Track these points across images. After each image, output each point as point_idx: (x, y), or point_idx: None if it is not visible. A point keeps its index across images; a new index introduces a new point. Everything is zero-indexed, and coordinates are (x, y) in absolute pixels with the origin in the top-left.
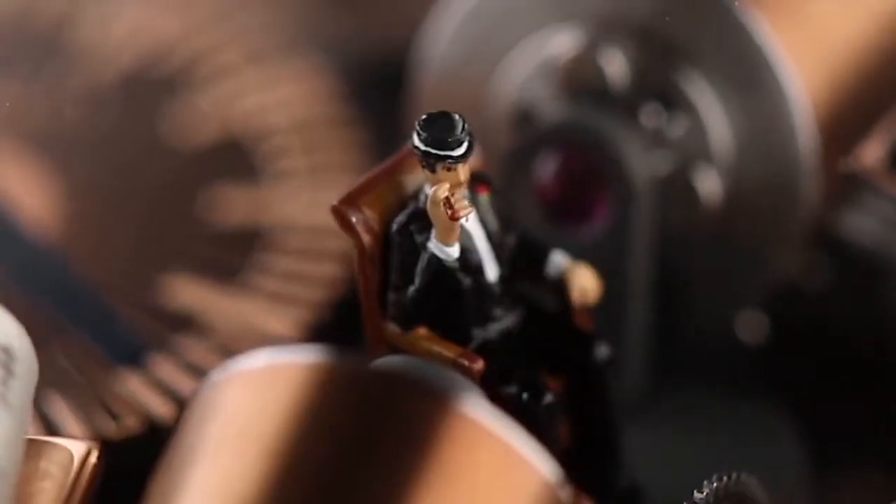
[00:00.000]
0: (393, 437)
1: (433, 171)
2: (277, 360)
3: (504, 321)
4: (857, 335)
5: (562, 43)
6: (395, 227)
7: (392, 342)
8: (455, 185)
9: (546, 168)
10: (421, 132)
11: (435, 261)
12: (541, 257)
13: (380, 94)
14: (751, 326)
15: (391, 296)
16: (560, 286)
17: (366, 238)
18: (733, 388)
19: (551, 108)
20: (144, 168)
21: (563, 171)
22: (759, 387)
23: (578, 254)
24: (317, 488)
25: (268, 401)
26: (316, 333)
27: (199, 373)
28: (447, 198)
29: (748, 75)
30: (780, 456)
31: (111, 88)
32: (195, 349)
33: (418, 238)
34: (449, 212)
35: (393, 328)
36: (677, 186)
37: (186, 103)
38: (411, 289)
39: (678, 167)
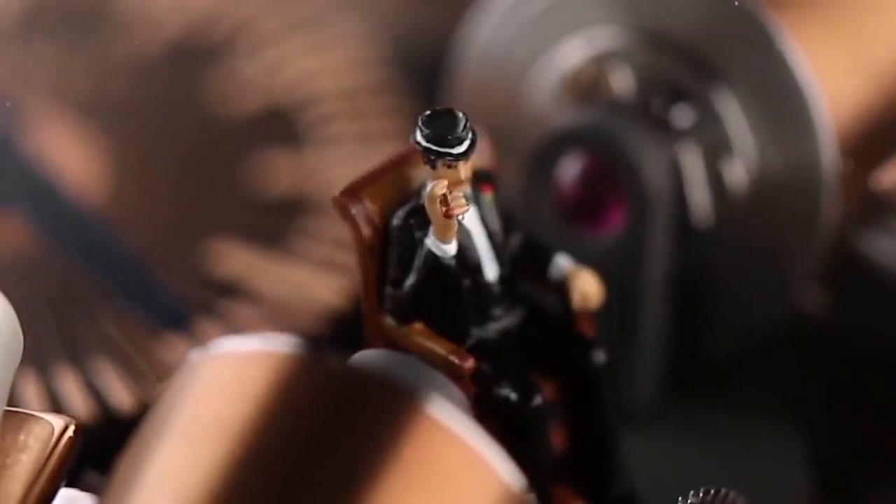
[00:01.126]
0: (358, 434)
1: (434, 167)
2: (253, 347)
3: (503, 321)
4: (876, 355)
5: (594, 46)
6: (395, 220)
7: (388, 336)
8: (455, 183)
9: (566, 171)
10: (423, 128)
11: (431, 257)
12: (544, 259)
13: (427, 60)
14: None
15: (388, 290)
16: (562, 289)
17: (366, 230)
18: (747, 400)
19: (577, 110)
20: (190, 135)
21: (581, 175)
22: (773, 400)
23: (594, 257)
24: (277, 478)
25: (238, 387)
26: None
27: None
28: (444, 195)
29: (775, 90)
30: (786, 472)
31: (156, 57)
32: (242, 315)
33: (417, 233)
34: (443, 209)
35: (390, 322)
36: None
37: (232, 71)
38: (407, 283)
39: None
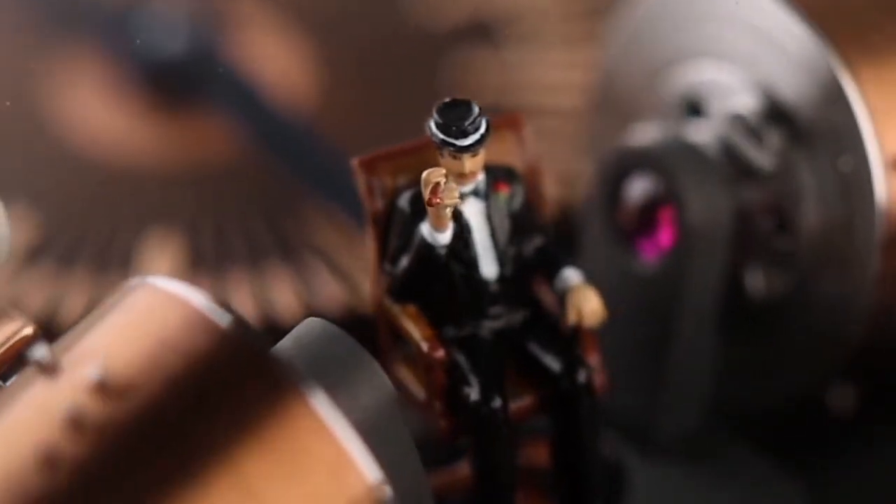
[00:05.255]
0: (232, 404)
1: (441, 155)
2: (175, 291)
3: (499, 321)
4: None
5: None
6: (400, 200)
7: (385, 310)
8: (458, 175)
9: (631, 189)
10: (436, 115)
11: (424, 243)
12: (553, 269)
13: None
14: (840, 396)
15: (386, 266)
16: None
17: (379, 203)
18: (769, 450)
19: (653, 131)
20: (395, 42)
21: (641, 196)
22: (793, 457)
23: (640, 279)
24: (138, 423)
25: (145, 324)
26: None
27: None
28: (437, 183)
29: (846, 167)
30: None
31: None
32: None
33: (417, 217)
34: (429, 196)
35: (386, 298)
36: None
37: None
38: (401, 265)
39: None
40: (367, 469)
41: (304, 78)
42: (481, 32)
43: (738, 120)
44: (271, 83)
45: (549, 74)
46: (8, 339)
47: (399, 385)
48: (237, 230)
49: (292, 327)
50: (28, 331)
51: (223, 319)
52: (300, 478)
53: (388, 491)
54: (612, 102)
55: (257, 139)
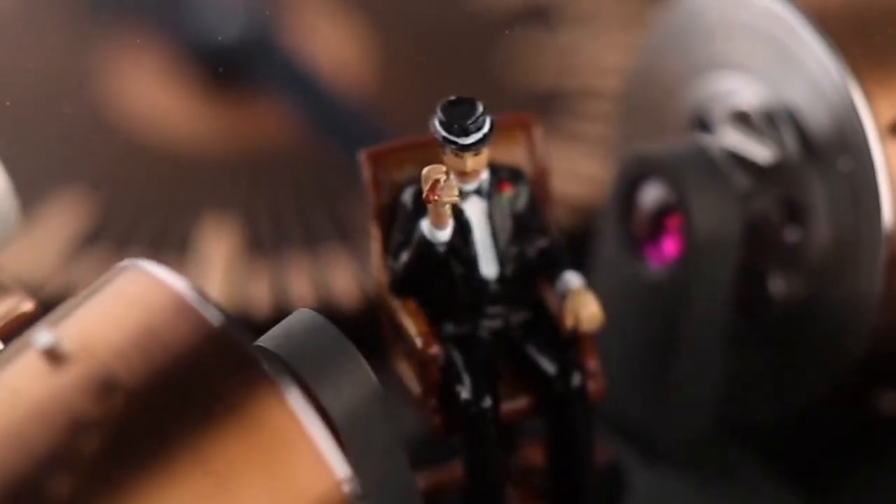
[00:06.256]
0: (210, 395)
1: (444, 153)
2: (163, 278)
3: (498, 321)
4: None
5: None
6: (404, 194)
7: (386, 304)
8: (460, 173)
9: (644, 195)
10: (440, 113)
11: (423, 239)
12: (555, 272)
13: None
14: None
15: (388, 259)
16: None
17: (384, 196)
18: (773, 463)
19: (668, 140)
20: (452, 23)
21: (653, 203)
22: (795, 468)
23: (648, 286)
24: (131, 416)
25: (130, 308)
26: None
27: None
28: (436, 179)
29: (854, 180)
30: None
31: None
32: None
33: (419, 213)
34: (426, 192)
35: (387, 292)
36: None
37: None
38: (401, 259)
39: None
40: (337, 464)
41: (360, 61)
42: (537, 15)
43: (739, 116)
44: (327, 67)
45: (605, 57)
46: (7, 314)
47: (397, 380)
48: (293, 214)
49: (349, 311)
50: (27, 306)
51: (206, 309)
52: (270, 470)
53: (357, 486)
54: (639, 109)
55: (313, 123)
